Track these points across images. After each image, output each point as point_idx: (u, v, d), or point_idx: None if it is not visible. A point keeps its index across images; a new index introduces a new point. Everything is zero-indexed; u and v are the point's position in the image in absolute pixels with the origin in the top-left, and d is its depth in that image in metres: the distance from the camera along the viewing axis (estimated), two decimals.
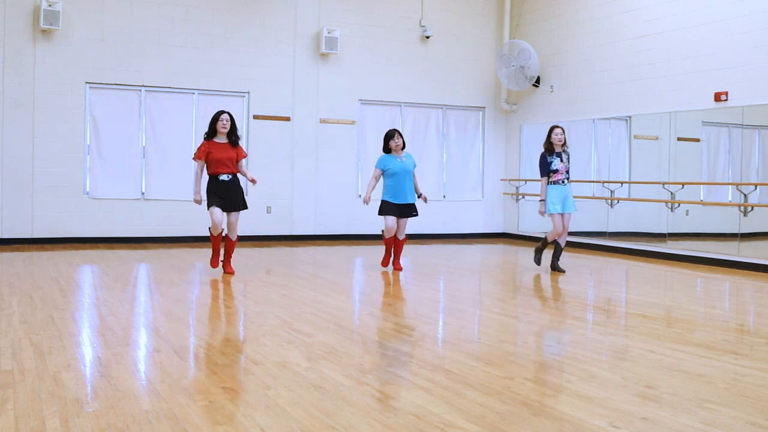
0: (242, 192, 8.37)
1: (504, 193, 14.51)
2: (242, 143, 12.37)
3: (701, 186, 11.17)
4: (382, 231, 8.98)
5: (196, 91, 12.28)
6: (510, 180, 14.37)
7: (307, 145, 13.05)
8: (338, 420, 3.49)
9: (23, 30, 11.17)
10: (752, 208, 9.91)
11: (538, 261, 9.33)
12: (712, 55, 10.33)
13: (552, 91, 13.33)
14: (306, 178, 13.05)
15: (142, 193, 12.02)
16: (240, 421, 3.46)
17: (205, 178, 8.29)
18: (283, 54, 12.80)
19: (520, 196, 14.11)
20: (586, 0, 12.57)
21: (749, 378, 4.41)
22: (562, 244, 9.09)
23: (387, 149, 8.92)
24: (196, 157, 8.21)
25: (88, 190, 11.74)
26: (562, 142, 8.94)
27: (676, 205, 10.93)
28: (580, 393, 4.06)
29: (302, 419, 3.49)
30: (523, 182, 14.05)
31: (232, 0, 12.46)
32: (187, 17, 12.14)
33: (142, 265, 9.50)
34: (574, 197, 9.16)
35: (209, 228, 8.33)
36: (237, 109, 12.45)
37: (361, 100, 13.45)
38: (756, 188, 10.05)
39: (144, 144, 12.04)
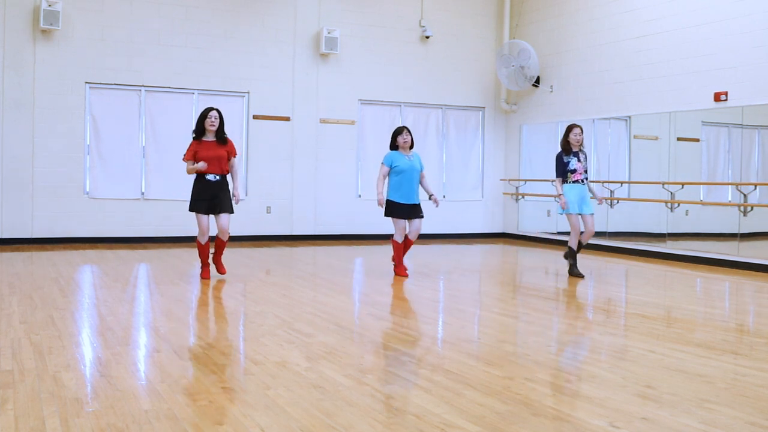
0: (230, 194, 7.92)
1: (504, 193, 14.51)
2: (242, 143, 12.42)
3: (701, 186, 11.17)
4: (392, 237, 8.56)
5: (196, 91, 12.28)
6: (510, 180, 14.37)
7: (307, 145, 13.05)
8: (338, 420, 3.49)
9: (23, 30, 11.17)
10: (752, 208, 9.91)
11: (577, 273, 8.71)
12: (712, 55, 10.33)
13: (552, 91, 13.33)
14: (306, 178, 13.05)
15: (142, 193, 12.02)
16: (240, 421, 3.46)
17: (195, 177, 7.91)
18: (283, 54, 12.81)
19: (520, 196, 14.11)
20: (586, 0, 12.57)
21: (749, 378, 4.41)
22: (584, 242, 8.80)
23: (394, 146, 8.55)
24: (185, 158, 7.80)
25: (88, 190, 11.75)
26: (580, 143, 8.69)
27: (676, 205, 10.93)
28: (579, 393, 4.06)
29: (302, 419, 3.49)
30: (523, 182, 14.05)
31: (232, 0, 12.46)
32: (187, 17, 12.14)
33: (142, 265, 9.50)
34: None
35: (197, 237, 7.95)
36: (237, 109, 12.46)
37: (360, 100, 13.46)
38: (755, 188, 10.05)
39: (144, 144, 12.05)
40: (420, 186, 8.61)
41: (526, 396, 3.93)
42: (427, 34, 13.69)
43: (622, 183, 12.06)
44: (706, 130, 11.17)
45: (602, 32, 12.23)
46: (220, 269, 8.11)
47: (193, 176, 7.91)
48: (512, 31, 14.11)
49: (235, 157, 7.97)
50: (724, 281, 9.08)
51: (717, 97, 10.23)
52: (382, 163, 8.58)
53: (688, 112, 10.89)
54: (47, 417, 3.44)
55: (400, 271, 8.61)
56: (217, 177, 7.79)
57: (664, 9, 11.11)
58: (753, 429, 3.49)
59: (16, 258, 9.77)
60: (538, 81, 13.48)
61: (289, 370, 4.38)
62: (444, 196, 14.00)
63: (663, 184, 11.12)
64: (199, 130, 7.80)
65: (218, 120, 7.77)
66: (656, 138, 11.82)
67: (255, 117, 12.66)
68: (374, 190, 8.87)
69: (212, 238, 8.13)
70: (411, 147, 8.59)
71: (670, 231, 11.27)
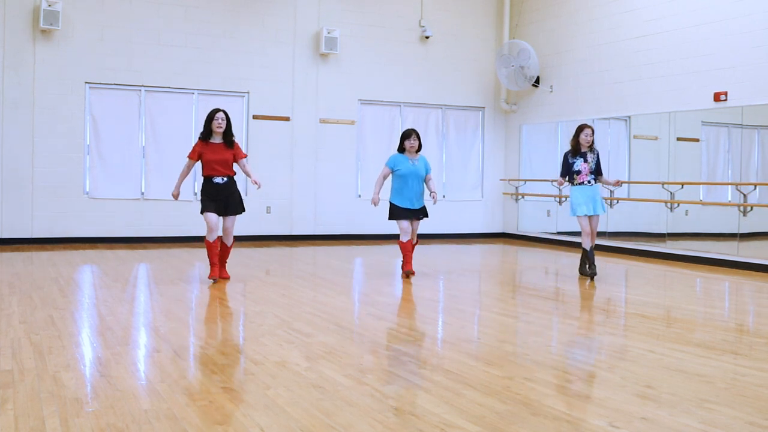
0: (239, 195, 7.88)
1: (504, 193, 14.52)
2: (242, 143, 12.41)
3: (701, 186, 11.17)
4: (399, 240, 8.49)
5: (195, 91, 12.28)
6: (510, 180, 14.37)
7: (306, 145, 13.05)
8: (338, 420, 3.49)
9: (23, 30, 11.17)
10: (752, 208, 9.91)
11: (593, 273, 8.59)
12: (711, 55, 10.33)
13: (551, 91, 13.33)
14: (306, 178, 13.05)
15: (142, 193, 12.02)
16: (240, 421, 3.46)
17: (199, 180, 7.92)
18: (282, 54, 12.81)
19: (520, 196, 14.11)
20: (586, 0, 12.57)
21: (748, 378, 4.41)
22: (587, 247, 8.70)
23: (402, 149, 8.47)
24: (189, 156, 7.80)
25: (87, 190, 11.74)
26: (590, 143, 8.62)
27: (676, 205, 10.93)
28: (579, 393, 4.06)
29: (302, 419, 3.49)
30: (523, 182, 14.05)
31: (232, 0, 12.47)
32: (187, 17, 12.15)
33: (142, 265, 9.50)
34: None
35: (205, 236, 7.84)
36: (237, 109, 12.45)
37: (360, 100, 13.46)
38: (755, 188, 10.05)
39: (144, 144, 12.04)
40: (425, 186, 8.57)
41: (526, 396, 3.93)
42: (427, 34, 13.69)
43: (621, 183, 12.05)
44: (705, 130, 11.17)
45: (602, 32, 12.23)
46: (224, 274, 8.08)
47: (198, 178, 7.75)
48: (512, 31, 14.11)
49: (243, 158, 7.87)
50: (724, 281, 9.08)
51: (717, 97, 10.23)
52: (384, 165, 8.60)
53: (687, 112, 10.89)
54: (47, 417, 3.45)
55: (407, 266, 8.47)
56: (225, 179, 7.74)
57: (663, 9, 11.11)
58: (752, 429, 3.49)
59: (16, 258, 9.77)
60: (537, 81, 13.48)
61: (288, 370, 4.39)
62: (444, 196, 14.00)
63: (663, 184, 11.12)
64: (207, 132, 7.75)
65: (225, 122, 7.72)
66: (656, 138, 11.82)
67: (255, 117, 12.66)
68: (373, 189, 8.84)
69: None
70: (418, 150, 8.51)
71: (669, 231, 11.28)
